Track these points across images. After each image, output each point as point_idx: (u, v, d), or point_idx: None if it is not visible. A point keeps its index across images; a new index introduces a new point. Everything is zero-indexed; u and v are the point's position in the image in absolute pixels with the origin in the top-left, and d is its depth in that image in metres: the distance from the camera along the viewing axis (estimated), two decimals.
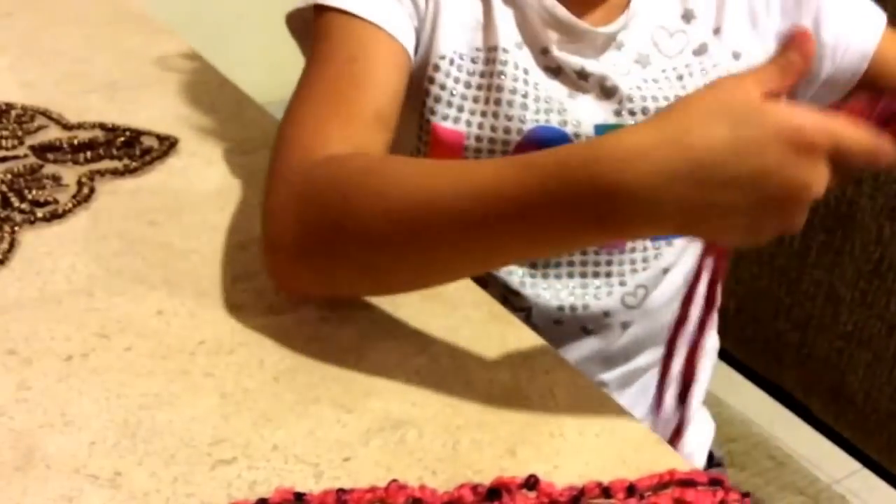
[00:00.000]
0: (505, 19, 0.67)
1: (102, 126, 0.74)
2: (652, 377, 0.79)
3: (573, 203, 0.47)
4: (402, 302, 0.58)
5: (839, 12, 0.71)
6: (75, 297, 0.58)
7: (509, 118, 0.67)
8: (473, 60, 0.68)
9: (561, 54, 0.68)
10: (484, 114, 0.68)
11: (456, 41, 0.68)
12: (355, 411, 0.51)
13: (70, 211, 0.65)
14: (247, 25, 1.99)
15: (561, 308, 0.71)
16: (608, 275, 0.72)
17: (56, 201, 0.65)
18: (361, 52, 0.62)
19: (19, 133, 0.72)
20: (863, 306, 1.38)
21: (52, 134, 0.73)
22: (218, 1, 2.01)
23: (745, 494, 0.46)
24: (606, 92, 0.68)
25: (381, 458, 0.48)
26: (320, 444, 0.49)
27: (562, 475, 0.48)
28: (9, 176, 0.67)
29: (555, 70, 0.68)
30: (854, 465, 1.43)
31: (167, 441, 0.48)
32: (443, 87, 0.68)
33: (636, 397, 0.78)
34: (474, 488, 0.45)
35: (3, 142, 0.71)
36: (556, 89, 0.68)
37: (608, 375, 0.76)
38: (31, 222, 0.64)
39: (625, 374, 0.76)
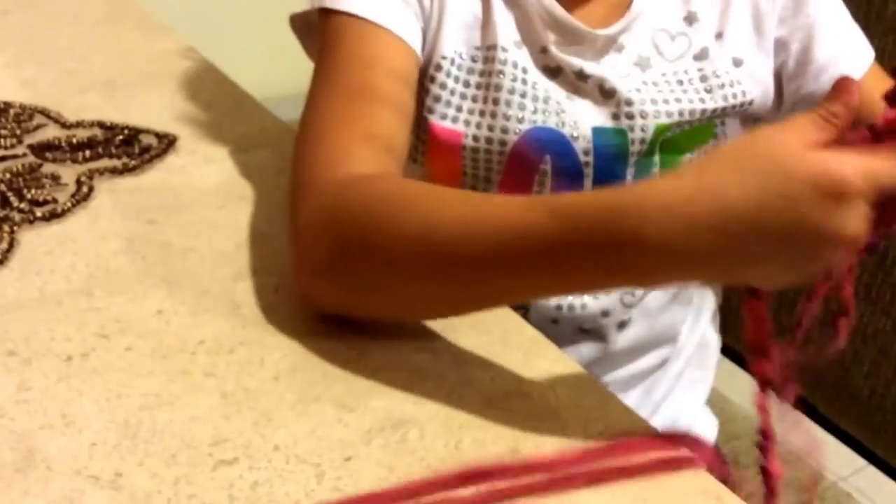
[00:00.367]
0: (504, 18, 0.67)
1: (101, 124, 0.74)
2: (655, 381, 0.79)
3: (598, 250, 0.46)
4: None
5: (833, 34, 0.70)
6: (75, 296, 0.57)
7: (507, 118, 0.67)
8: (473, 59, 0.68)
9: (560, 54, 0.67)
10: (482, 113, 0.67)
11: (457, 40, 0.67)
12: (356, 410, 0.51)
13: (69, 210, 0.65)
14: (245, 22, 1.99)
15: (559, 307, 0.71)
16: None
17: (55, 200, 0.65)
18: (374, 59, 0.62)
19: (18, 132, 0.72)
20: (867, 301, 1.37)
21: (51, 133, 0.73)
22: None
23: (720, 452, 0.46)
24: (605, 94, 0.68)
25: (382, 458, 0.48)
26: (322, 444, 0.48)
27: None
28: (7, 175, 0.66)
29: (554, 70, 0.68)
30: (859, 462, 1.43)
31: (168, 441, 0.48)
32: (443, 87, 0.67)
33: (640, 400, 0.77)
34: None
35: (2, 141, 0.71)
36: (554, 90, 0.68)
37: (609, 377, 0.75)
38: (30, 222, 0.63)
39: (626, 376, 0.76)
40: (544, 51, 0.67)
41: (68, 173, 0.68)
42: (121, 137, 0.72)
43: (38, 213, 0.64)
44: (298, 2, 0.68)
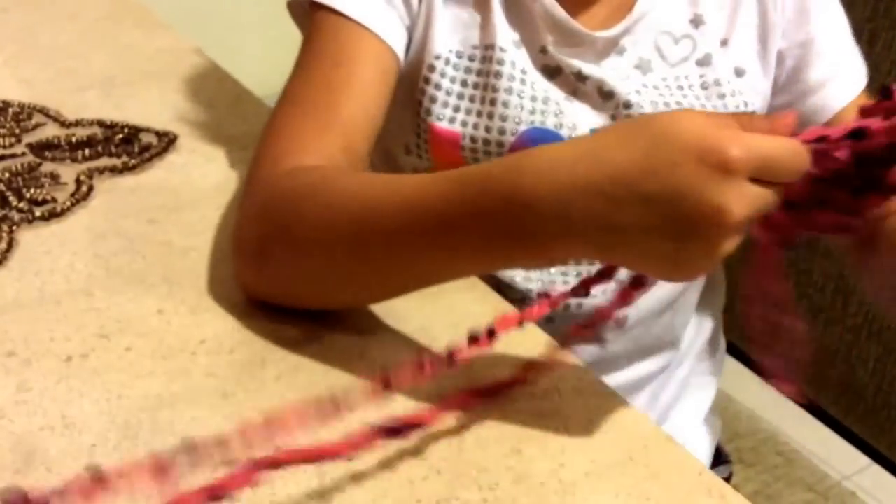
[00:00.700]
0: (503, 17, 0.66)
1: (101, 123, 0.73)
2: (661, 385, 0.78)
3: (491, 214, 0.46)
4: (402, 299, 0.57)
5: (828, 57, 0.70)
6: (74, 296, 0.57)
7: (504, 118, 0.66)
8: (470, 59, 0.67)
9: (559, 55, 0.67)
10: (479, 113, 0.67)
11: (452, 39, 0.67)
12: (357, 410, 0.50)
13: (69, 209, 0.64)
14: (245, 18, 1.98)
15: None
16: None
17: (54, 200, 0.65)
18: (346, 56, 0.62)
19: (17, 131, 0.72)
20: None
21: (50, 131, 0.72)
22: None
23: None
24: (604, 96, 0.67)
25: (384, 458, 0.47)
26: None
27: (568, 472, 0.48)
28: (6, 174, 0.66)
29: (553, 70, 0.67)
30: (864, 460, 1.42)
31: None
32: (438, 87, 0.67)
33: (646, 406, 0.77)
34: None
35: (1, 140, 0.70)
36: (553, 90, 0.67)
37: (609, 380, 0.75)
38: (30, 221, 0.63)
39: (629, 380, 0.75)
40: (543, 51, 0.67)
41: (68, 172, 0.68)
42: (121, 136, 0.72)
43: (38, 213, 0.63)
44: None
